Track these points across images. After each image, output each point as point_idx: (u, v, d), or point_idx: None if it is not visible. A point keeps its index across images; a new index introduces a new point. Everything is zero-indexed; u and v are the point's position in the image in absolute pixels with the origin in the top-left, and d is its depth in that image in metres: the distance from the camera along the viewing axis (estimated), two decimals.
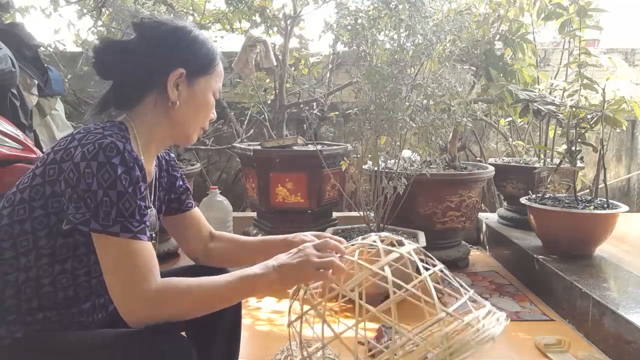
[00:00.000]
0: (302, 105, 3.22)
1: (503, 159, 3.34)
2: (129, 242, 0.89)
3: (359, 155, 2.32)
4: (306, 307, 1.05)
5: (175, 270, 1.20)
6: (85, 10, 3.39)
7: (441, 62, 2.34)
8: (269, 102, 3.66)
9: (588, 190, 3.07)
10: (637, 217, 3.55)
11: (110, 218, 0.87)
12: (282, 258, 1.01)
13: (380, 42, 2.20)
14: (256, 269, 0.98)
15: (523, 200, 2.57)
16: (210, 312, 0.97)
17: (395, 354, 0.95)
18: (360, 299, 0.97)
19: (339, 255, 1.04)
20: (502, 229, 2.98)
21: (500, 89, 2.68)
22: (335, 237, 1.11)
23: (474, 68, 2.72)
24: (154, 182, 1.14)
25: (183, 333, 1.13)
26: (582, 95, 2.52)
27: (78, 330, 0.97)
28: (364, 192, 2.40)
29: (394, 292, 0.94)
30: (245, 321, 2.01)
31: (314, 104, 3.23)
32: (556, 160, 2.73)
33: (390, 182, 2.21)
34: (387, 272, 0.96)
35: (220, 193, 3.00)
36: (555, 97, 2.80)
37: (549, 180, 2.67)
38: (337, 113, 3.46)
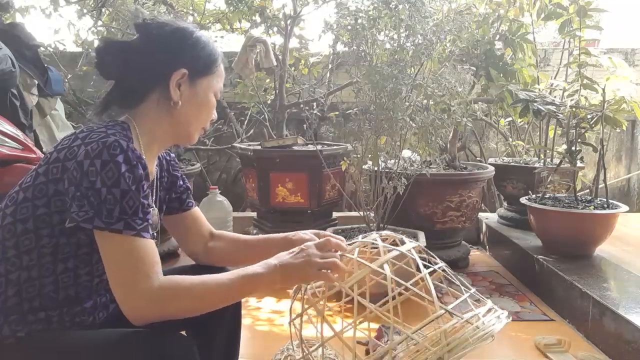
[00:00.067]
0: (302, 105, 3.22)
1: (503, 159, 3.34)
2: (132, 239, 0.89)
3: (359, 155, 2.32)
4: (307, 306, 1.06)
5: (176, 269, 1.20)
6: (85, 10, 3.39)
7: (441, 62, 2.34)
8: (269, 102, 3.66)
9: (588, 190, 3.07)
10: (637, 217, 3.55)
11: (114, 216, 0.88)
12: (284, 257, 1.01)
13: (380, 42, 2.20)
14: (258, 268, 0.99)
15: (523, 200, 2.57)
16: (211, 310, 0.97)
17: (394, 350, 0.95)
18: (363, 298, 0.98)
19: (339, 253, 1.05)
20: (502, 229, 2.98)
21: (500, 89, 2.68)
22: (336, 235, 1.11)
23: (474, 68, 2.72)
24: (155, 182, 1.14)
25: (183, 333, 1.13)
26: (582, 95, 2.52)
27: (81, 330, 0.97)
28: (364, 192, 2.40)
29: (393, 290, 0.94)
30: (245, 321, 2.01)
31: (314, 104, 3.24)
32: (556, 160, 2.73)
33: (390, 182, 2.21)
34: (387, 270, 0.96)
35: (220, 193, 3.01)
36: (555, 97, 2.79)
37: (549, 180, 2.67)
38: (337, 113, 3.46)
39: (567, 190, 2.71)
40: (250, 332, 1.95)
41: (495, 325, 0.91)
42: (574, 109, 2.45)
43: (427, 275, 0.96)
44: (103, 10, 3.31)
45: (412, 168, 2.34)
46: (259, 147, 2.91)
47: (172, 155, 1.25)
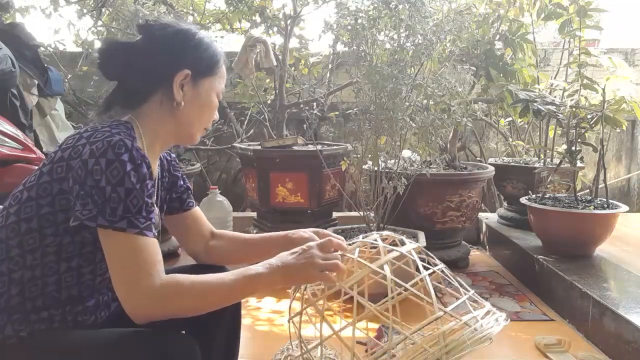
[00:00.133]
0: (302, 105, 3.22)
1: (503, 159, 3.35)
2: (135, 237, 0.89)
3: (359, 155, 2.32)
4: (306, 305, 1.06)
5: (176, 269, 1.20)
6: (85, 10, 3.39)
7: (441, 62, 2.34)
8: (269, 102, 3.66)
9: (588, 190, 3.07)
10: (637, 217, 3.55)
11: (117, 214, 0.88)
12: (286, 258, 1.02)
13: (380, 42, 2.20)
14: (260, 268, 0.99)
15: (523, 200, 2.57)
16: (212, 309, 0.98)
17: (392, 350, 0.95)
18: (363, 297, 0.98)
19: (340, 252, 1.05)
20: (502, 229, 2.98)
21: (500, 89, 2.68)
22: (336, 235, 1.11)
23: (474, 68, 2.72)
24: (156, 182, 1.14)
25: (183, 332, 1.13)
26: (582, 95, 2.52)
27: (83, 330, 0.97)
28: (364, 192, 2.40)
29: (393, 290, 0.94)
30: (245, 321, 2.01)
31: (314, 104, 3.23)
32: (556, 160, 2.73)
33: (390, 182, 2.21)
34: (387, 270, 0.97)
35: (220, 193, 3.01)
36: (555, 97, 2.80)
37: (549, 180, 2.67)
38: (337, 113, 3.46)
39: (567, 190, 2.71)
40: (250, 332, 1.95)
41: (494, 327, 0.91)
42: (574, 109, 2.45)
43: (427, 277, 0.96)
44: (103, 10, 3.31)
45: (412, 168, 2.34)
46: (259, 147, 2.91)
47: (173, 155, 1.25)
